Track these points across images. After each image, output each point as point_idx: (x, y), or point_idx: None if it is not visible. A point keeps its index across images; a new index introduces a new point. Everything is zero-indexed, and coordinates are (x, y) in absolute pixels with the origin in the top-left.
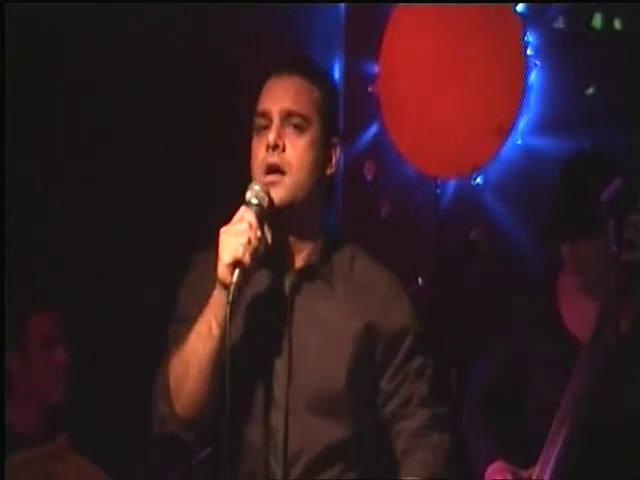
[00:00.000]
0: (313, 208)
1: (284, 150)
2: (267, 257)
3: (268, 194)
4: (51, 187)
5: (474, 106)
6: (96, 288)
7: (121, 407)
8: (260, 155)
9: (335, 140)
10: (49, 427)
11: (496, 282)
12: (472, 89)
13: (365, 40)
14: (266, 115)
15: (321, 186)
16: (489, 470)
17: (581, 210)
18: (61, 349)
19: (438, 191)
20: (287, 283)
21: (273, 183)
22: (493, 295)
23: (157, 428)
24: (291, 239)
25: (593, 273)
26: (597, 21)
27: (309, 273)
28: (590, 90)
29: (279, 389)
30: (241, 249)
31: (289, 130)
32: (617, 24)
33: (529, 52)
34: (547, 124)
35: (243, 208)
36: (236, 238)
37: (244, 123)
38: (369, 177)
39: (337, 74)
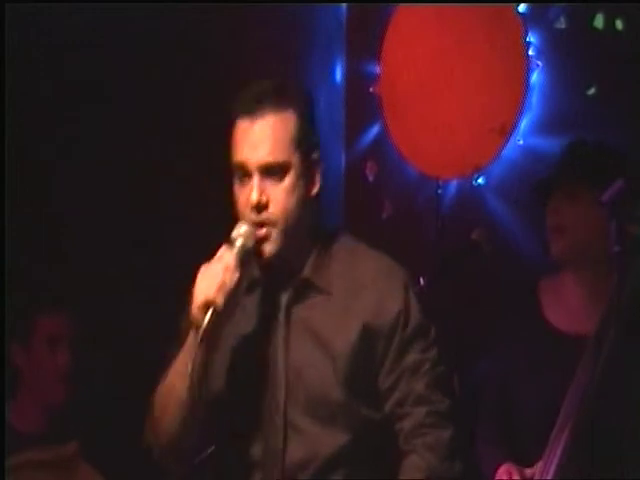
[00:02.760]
0: (304, 231)
1: (267, 206)
2: (264, 275)
3: (257, 241)
4: (66, 190)
5: (475, 106)
6: (106, 292)
7: (128, 413)
8: (244, 209)
9: (315, 156)
10: (50, 428)
11: (497, 283)
12: (473, 89)
13: (366, 40)
14: (244, 168)
15: (310, 208)
16: (499, 472)
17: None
18: (63, 349)
19: (440, 192)
20: (283, 300)
21: (263, 238)
22: (494, 296)
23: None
24: (285, 257)
25: (573, 237)
26: (599, 21)
27: (304, 287)
28: (592, 91)
29: (277, 403)
30: (214, 290)
31: (270, 181)
32: (619, 25)
33: (531, 53)
34: (549, 124)
35: (224, 247)
36: (211, 279)
37: None
38: (370, 178)
39: (339, 74)
